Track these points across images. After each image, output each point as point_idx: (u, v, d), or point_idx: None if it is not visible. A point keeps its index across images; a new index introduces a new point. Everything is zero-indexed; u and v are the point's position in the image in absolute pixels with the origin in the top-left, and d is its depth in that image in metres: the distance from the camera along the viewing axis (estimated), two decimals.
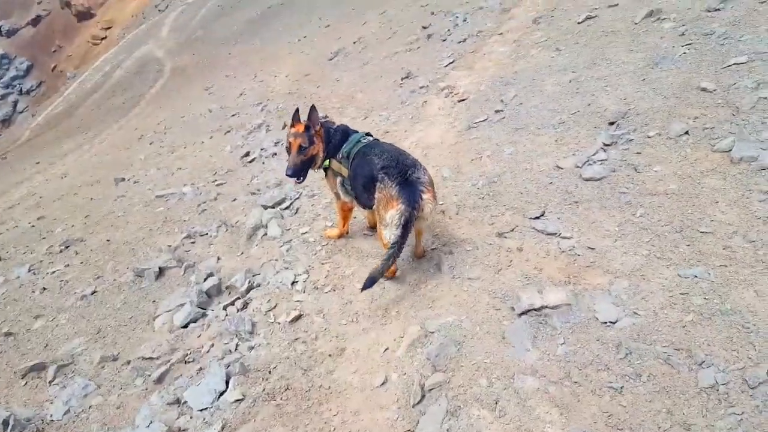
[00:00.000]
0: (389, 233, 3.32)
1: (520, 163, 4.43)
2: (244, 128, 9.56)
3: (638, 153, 3.92)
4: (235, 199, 6.02)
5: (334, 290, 3.81)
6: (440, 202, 4.28)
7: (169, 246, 5.36)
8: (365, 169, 3.57)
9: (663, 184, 3.56)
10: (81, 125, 22.49)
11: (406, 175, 3.32)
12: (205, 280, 4.36)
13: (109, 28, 42.94)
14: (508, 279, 3.35)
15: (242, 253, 4.80)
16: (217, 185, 6.90)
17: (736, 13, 5.18)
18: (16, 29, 41.72)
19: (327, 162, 3.87)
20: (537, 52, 6.24)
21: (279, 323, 3.72)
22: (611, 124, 4.32)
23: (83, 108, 25.49)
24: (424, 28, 9.92)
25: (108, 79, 27.63)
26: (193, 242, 5.42)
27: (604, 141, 4.10)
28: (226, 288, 4.29)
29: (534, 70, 5.84)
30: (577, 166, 4.03)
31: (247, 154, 7.82)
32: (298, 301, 3.81)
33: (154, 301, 4.58)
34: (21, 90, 37.94)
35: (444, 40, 8.64)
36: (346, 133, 3.88)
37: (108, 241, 6.57)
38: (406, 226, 3.25)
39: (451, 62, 7.37)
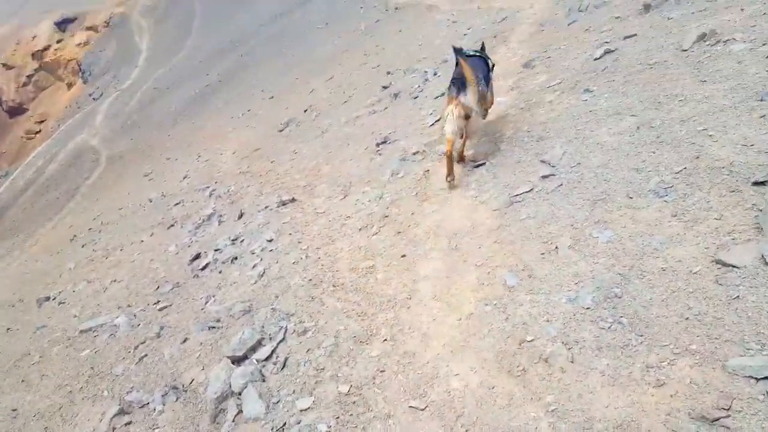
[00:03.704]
0: (447, 127, 4.09)
1: (640, 259, 2.54)
2: (191, 220, 7.47)
3: None
4: (186, 339, 3.91)
5: None
6: (528, 338, 2.42)
7: None
8: None
9: None
10: (12, 227, 19.48)
11: (458, 84, 4.09)
12: None
13: (43, 121, 39.74)
14: None
15: None
16: (161, 310, 4.77)
17: None
18: None
19: None
20: (556, 97, 4.54)
21: None
22: (758, 184, 2.62)
23: (15, 208, 22.33)
24: (385, 87, 8.27)
25: (41, 174, 24.58)
26: (128, 423, 3.30)
27: None
28: None
29: (571, 118, 4.07)
30: (767, 262, 2.19)
31: (198, 256, 5.75)
32: None
33: None
34: None
35: (416, 98, 6.95)
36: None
37: (14, 410, 4.37)
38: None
39: (438, 120, 5.66)
